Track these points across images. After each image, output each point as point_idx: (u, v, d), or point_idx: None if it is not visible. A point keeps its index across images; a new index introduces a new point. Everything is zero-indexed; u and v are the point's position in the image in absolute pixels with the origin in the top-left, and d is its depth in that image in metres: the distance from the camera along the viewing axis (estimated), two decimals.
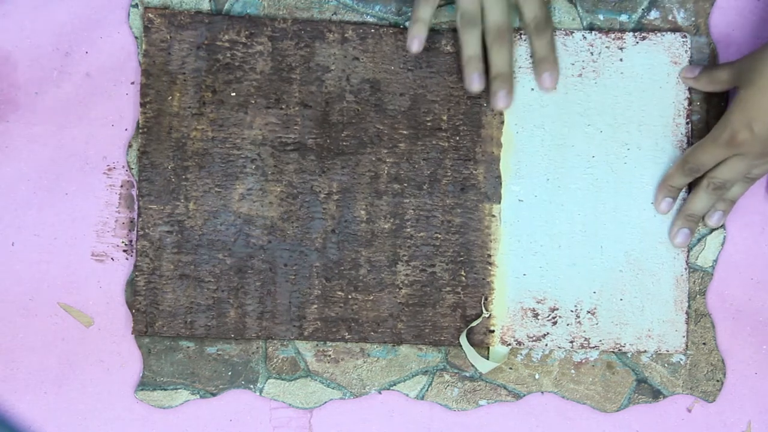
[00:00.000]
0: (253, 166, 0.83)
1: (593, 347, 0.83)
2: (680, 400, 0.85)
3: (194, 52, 0.83)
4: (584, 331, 0.84)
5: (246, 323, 0.83)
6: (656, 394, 0.84)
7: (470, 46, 0.82)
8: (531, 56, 0.84)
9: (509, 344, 0.83)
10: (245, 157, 0.83)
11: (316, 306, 0.83)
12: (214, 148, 0.83)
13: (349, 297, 0.83)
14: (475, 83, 0.82)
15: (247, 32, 0.83)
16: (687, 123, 0.84)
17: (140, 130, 0.83)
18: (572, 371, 0.84)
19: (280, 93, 0.83)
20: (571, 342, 0.84)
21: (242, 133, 0.83)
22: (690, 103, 0.84)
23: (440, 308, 0.83)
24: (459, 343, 0.83)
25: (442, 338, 0.83)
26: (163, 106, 0.83)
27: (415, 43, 0.82)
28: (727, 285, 0.85)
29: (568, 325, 0.84)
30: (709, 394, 0.84)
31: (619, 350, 0.84)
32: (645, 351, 0.84)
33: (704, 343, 0.84)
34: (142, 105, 0.83)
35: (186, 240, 0.83)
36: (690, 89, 0.84)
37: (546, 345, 0.84)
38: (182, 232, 0.83)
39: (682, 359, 0.84)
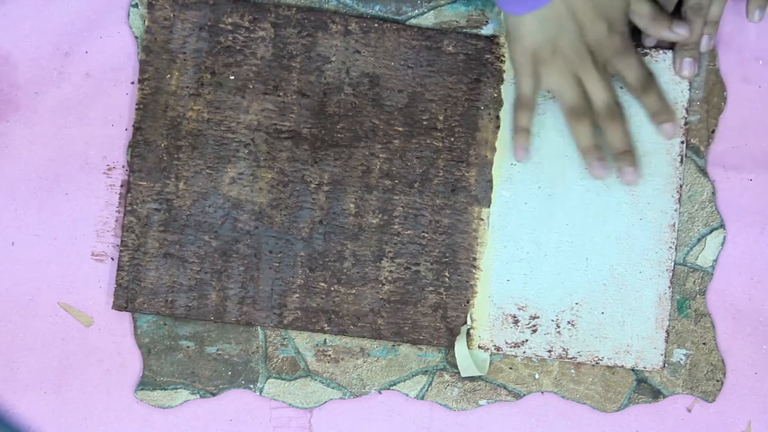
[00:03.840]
0: (246, 151, 0.83)
1: (571, 358, 0.83)
2: (680, 400, 0.85)
3: (196, 33, 0.83)
4: (563, 342, 0.84)
5: (226, 307, 0.83)
6: (656, 394, 0.84)
7: (585, 137, 0.81)
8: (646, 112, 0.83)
9: (487, 349, 0.83)
10: (239, 141, 0.83)
11: (297, 295, 0.83)
12: (209, 129, 0.83)
13: (332, 289, 0.83)
14: (598, 171, 0.81)
15: (250, 17, 0.83)
16: (681, 143, 0.84)
17: (136, 107, 0.83)
18: (572, 371, 0.84)
19: (278, 80, 0.83)
20: (549, 351, 0.83)
21: (238, 117, 0.83)
22: (686, 123, 0.84)
23: (421, 307, 0.84)
24: (445, 344, 0.83)
25: (421, 337, 0.83)
26: (161, 84, 0.83)
27: (521, 153, 0.82)
28: (727, 285, 0.85)
29: (546, 334, 0.84)
30: (709, 394, 0.85)
31: (597, 363, 0.84)
32: (622, 366, 0.84)
33: (704, 343, 0.85)
34: (140, 81, 0.83)
35: (173, 219, 0.83)
36: (687, 110, 0.84)
37: (524, 352, 0.84)
38: (170, 211, 0.83)
39: (682, 359, 0.84)
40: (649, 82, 0.82)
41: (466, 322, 0.83)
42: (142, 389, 0.83)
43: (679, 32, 0.81)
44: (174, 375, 0.83)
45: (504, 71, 0.84)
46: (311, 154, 0.83)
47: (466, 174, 0.84)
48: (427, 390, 0.84)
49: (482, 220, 0.84)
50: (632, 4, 0.81)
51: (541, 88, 0.82)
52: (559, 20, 0.79)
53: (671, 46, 0.84)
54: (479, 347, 0.84)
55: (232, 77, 0.83)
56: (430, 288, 0.84)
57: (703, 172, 0.85)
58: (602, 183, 0.84)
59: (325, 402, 0.84)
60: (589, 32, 0.80)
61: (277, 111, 0.83)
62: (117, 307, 0.83)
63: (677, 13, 0.83)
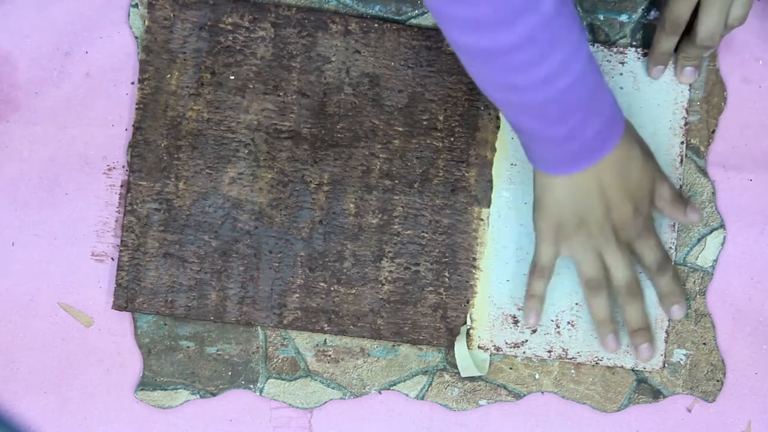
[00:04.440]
0: (246, 151, 0.83)
1: (570, 359, 0.84)
2: (680, 400, 0.85)
3: (196, 33, 0.83)
4: (563, 342, 0.84)
5: (226, 307, 0.83)
6: (656, 394, 0.84)
7: (601, 310, 0.81)
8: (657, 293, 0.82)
9: (487, 349, 0.83)
10: (239, 141, 0.83)
11: (297, 295, 0.83)
12: (209, 129, 0.83)
13: (332, 289, 0.83)
14: (611, 345, 0.81)
15: (250, 17, 0.83)
16: (681, 143, 0.84)
17: (136, 106, 0.83)
18: (572, 371, 0.84)
19: (278, 80, 0.83)
20: (549, 351, 0.84)
21: (238, 116, 0.83)
22: (686, 124, 0.84)
23: (421, 307, 0.84)
24: (445, 344, 0.83)
25: (421, 337, 0.83)
26: (161, 83, 0.83)
27: (533, 319, 0.81)
28: (727, 285, 0.85)
29: (546, 334, 0.84)
30: (709, 394, 0.85)
31: (597, 363, 0.84)
32: (622, 366, 0.84)
33: (704, 343, 0.85)
34: (140, 81, 0.83)
35: (173, 219, 0.83)
36: (687, 110, 0.84)
37: (524, 353, 0.84)
38: (170, 211, 0.83)
39: (682, 359, 0.84)
40: (665, 264, 0.81)
41: (465, 323, 0.83)
42: (142, 389, 0.83)
43: (692, 218, 0.81)
44: (174, 375, 0.83)
45: None
46: (311, 153, 0.83)
47: (466, 174, 0.84)
48: (427, 390, 0.84)
49: (482, 220, 0.84)
50: (656, 186, 0.80)
51: (560, 255, 0.81)
52: (589, 194, 0.77)
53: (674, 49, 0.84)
54: (479, 347, 0.84)
55: (232, 77, 0.83)
56: (430, 288, 0.84)
57: (703, 172, 0.85)
58: None
59: (325, 402, 0.84)
60: (616, 212, 0.78)
61: (277, 111, 0.83)
62: (117, 307, 0.83)
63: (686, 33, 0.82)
